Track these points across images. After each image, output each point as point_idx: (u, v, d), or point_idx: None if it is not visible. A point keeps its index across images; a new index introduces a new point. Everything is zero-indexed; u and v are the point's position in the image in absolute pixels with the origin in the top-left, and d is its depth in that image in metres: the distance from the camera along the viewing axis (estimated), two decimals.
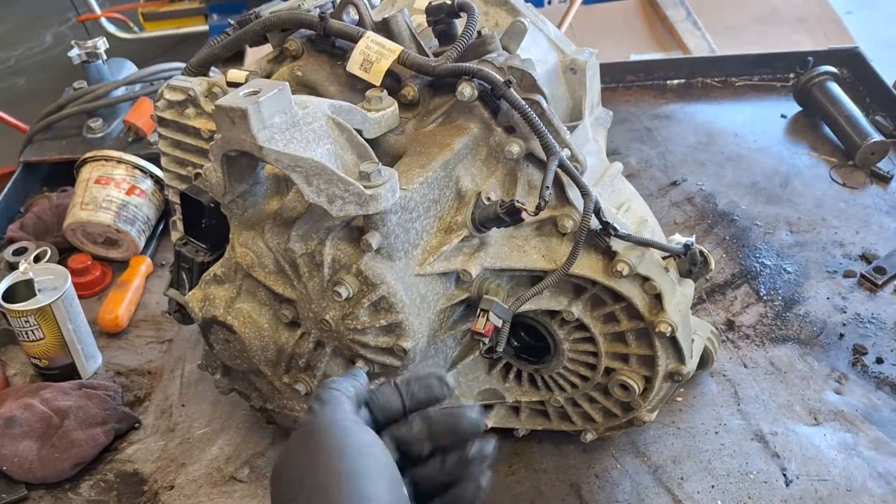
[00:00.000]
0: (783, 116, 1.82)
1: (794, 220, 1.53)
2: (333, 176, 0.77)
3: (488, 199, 0.90)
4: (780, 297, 1.38)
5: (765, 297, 1.38)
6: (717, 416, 1.19)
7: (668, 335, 0.94)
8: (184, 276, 1.09)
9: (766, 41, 2.50)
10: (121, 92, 1.68)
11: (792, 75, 1.91)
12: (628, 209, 1.02)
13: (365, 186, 0.78)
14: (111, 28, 3.19)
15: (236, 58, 1.95)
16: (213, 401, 1.27)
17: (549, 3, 3.38)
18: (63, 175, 1.69)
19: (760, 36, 2.58)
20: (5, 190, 1.68)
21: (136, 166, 1.52)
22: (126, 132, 1.68)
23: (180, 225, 1.08)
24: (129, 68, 1.77)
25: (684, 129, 1.81)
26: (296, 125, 0.78)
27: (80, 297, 1.45)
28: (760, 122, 1.81)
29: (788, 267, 1.43)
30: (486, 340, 0.89)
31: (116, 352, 1.39)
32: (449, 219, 0.90)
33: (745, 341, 1.31)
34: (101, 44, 1.63)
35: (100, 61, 1.65)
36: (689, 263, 1.00)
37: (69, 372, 1.31)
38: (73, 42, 1.62)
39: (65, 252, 1.55)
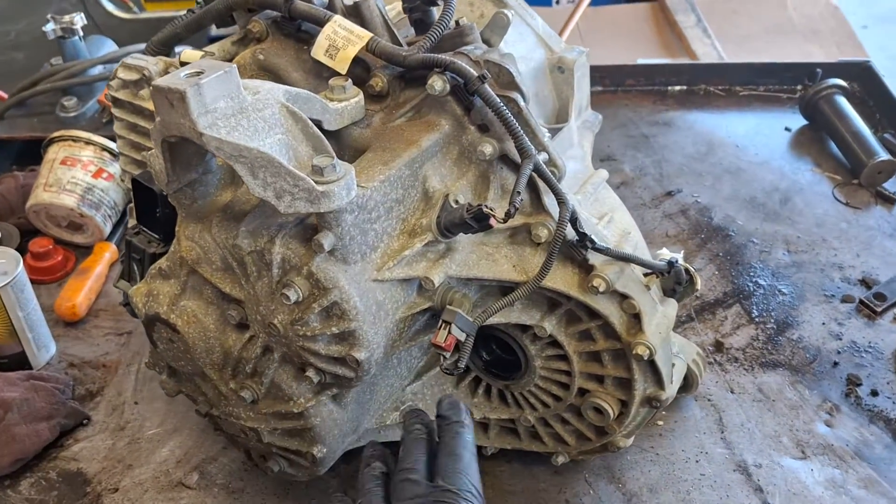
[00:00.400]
0: (787, 129, 1.75)
1: (792, 239, 1.46)
2: (281, 169, 0.70)
3: (456, 201, 0.83)
4: (772, 320, 1.31)
5: (757, 319, 1.31)
6: (699, 444, 1.12)
7: (645, 358, 0.87)
8: (135, 267, 1.02)
9: (776, 51, 2.42)
10: (98, 70, 1.62)
11: (799, 87, 1.84)
12: (610, 220, 0.95)
13: (316, 182, 0.71)
14: (110, 7, 3.12)
15: None
16: (167, 400, 1.20)
17: (557, 2, 3.31)
18: (35, 153, 1.62)
19: (771, 46, 2.50)
20: None
21: (105, 148, 1.45)
22: (101, 112, 1.61)
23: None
24: (108, 46, 1.70)
25: (683, 137, 1.74)
26: (243, 111, 0.71)
27: (39, 282, 1.39)
28: (763, 134, 1.74)
29: (784, 288, 1.36)
30: (447, 355, 0.82)
31: (72, 342, 1.32)
32: (413, 221, 0.83)
33: (733, 364, 1.24)
34: (79, 19, 1.56)
35: (76, 38, 1.59)
36: (674, 282, 0.93)
37: (19, 361, 1.25)
38: (49, 16, 1.55)
39: (28, 234, 1.48)
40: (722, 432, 1.14)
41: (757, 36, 2.61)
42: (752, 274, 1.39)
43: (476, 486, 0.72)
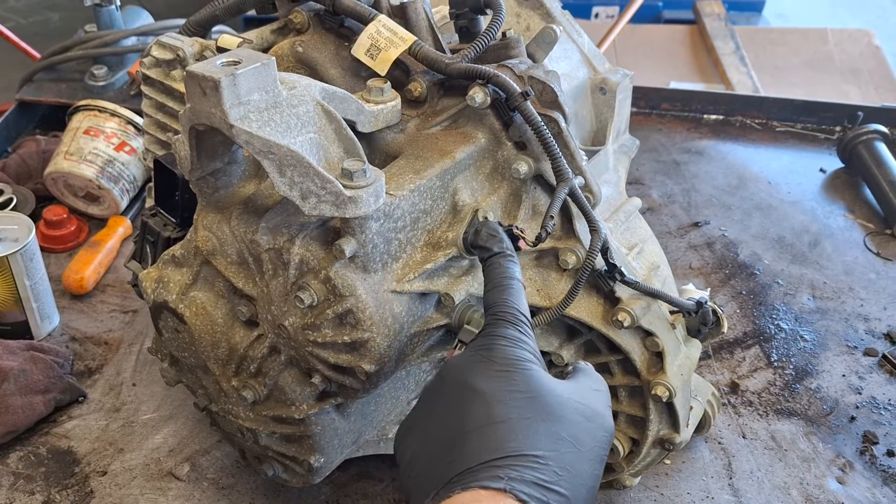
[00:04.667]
0: (822, 171, 1.71)
1: (818, 284, 1.42)
2: (310, 170, 0.67)
3: (485, 218, 0.80)
4: (791, 366, 1.27)
5: (776, 364, 1.27)
6: (706, 488, 1.09)
7: (664, 400, 0.84)
8: (147, 249, 1.00)
9: (813, 87, 2.38)
10: (131, 42, 1.59)
11: (838, 128, 1.80)
12: (640, 252, 0.91)
13: (344, 186, 0.68)
14: None
15: None
16: (165, 385, 1.18)
17: (596, 16, 3.27)
18: (59, 119, 1.60)
19: (808, 81, 2.46)
20: None
21: (130, 122, 1.43)
22: (129, 85, 1.59)
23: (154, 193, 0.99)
24: (144, 18, 1.68)
25: (715, 168, 1.70)
26: (277, 106, 0.68)
27: (49, 250, 1.38)
28: (797, 173, 1.70)
29: (806, 334, 1.33)
30: None
31: (76, 315, 1.30)
32: (439, 234, 0.80)
33: (747, 408, 1.21)
34: None
35: (113, 7, 1.56)
36: (700, 322, 0.89)
37: (21, 330, 1.23)
38: None
39: (44, 201, 1.46)
40: (730, 478, 1.11)
41: (794, 69, 2.57)
42: (774, 316, 1.35)
43: (524, 313, 0.68)
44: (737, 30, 2.70)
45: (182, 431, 1.12)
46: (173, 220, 0.97)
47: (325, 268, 0.74)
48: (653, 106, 1.85)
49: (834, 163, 1.72)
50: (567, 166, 0.78)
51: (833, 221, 1.57)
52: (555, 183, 0.79)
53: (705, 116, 1.84)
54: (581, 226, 0.82)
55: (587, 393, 0.65)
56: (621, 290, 0.83)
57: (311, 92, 0.71)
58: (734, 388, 1.23)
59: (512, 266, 0.72)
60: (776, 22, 3.31)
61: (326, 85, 0.74)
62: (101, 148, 1.40)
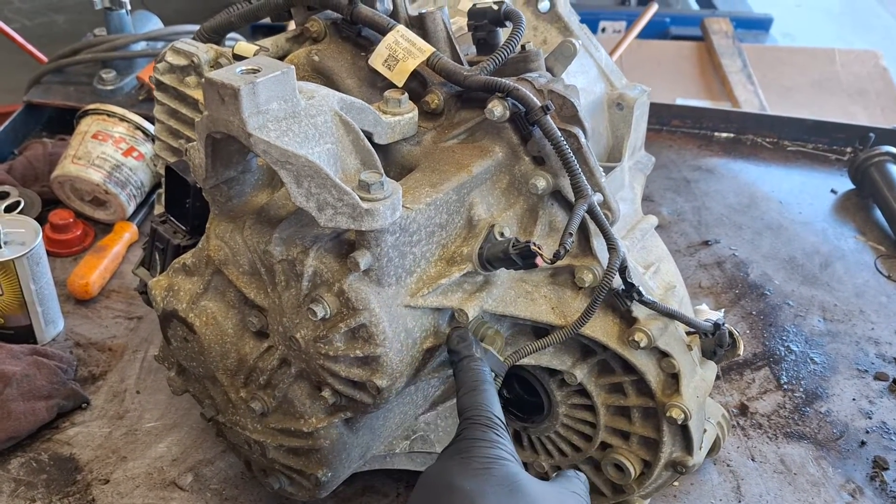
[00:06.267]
0: (833, 192, 1.70)
1: (829, 307, 1.41)
2: (328, 181, 0.66)
3: (501, 234, 0.79)
4: (801, 389, 1.25)
5: (785, 386, 1.26)
6: None
7: (679, 422, 0.82)
8: (156, 256, 0.99)
9: (819, 107, 2.37)
10: (140, 47, 1.59)
11: (849, 149, 1.79)
12: (657, 271, 0.90)
13: (362, 198, 0.67)
14: None
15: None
16: (170, 393, 1.15)
17: (603, 31, 3.27)
18: (66, 122, 1.60)
19: (815, 101, 2.45)
20: (2, 127, 1.59)
21: (139, 127, 1.42)
22: (138, 89, 1.58)
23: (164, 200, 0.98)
24: (154, 23, 1.68)
25: (725, 186, 1.69)
26: (295, 116, 0.67)
27: (55, 254, 1.36)
28: (808, 193, 1.69)
29: (816, 357, 1.31)
30: None
31: (80, 321, 1.29)
32: (454, 248, 0.79)
33: (756, 431, 1.19)
34: None
35: (123, 11, 1.56)
36: (716, 344, 0.88)
37: (25, 334, 1.21)
38: None
39: (50, 204, 1.45)
40: (738, 502, 1.09)
41: (801, 89, 2.56)
42: (784, 338, 1.34)
43: (496, 415, 0.69)
44: (744, 48, 2.69)
45: (186, 441, 1.11)
46: (184, 228, 0.96)
47: (338, 280, 0.73)
48: (663, 122, 1.85)
49: (845, 184, 1.71)
50: (586, 182, 0.77)
51: (844, 243, 1.56)
52: (573, 199, 0.78)
53: (716, 134, 1.83)
54: (599, 243, 0.81)
55: (566, 495, 0.68)
56: (638, 310, 0.82)
57: (330, 102, 0.70)
58: (743, 409, 1.21)
59: (483, 370, 0.74)
60: (784, 41, 3.31)
61: (344, 95, 0.74)
62: (109, 153, 1.40)
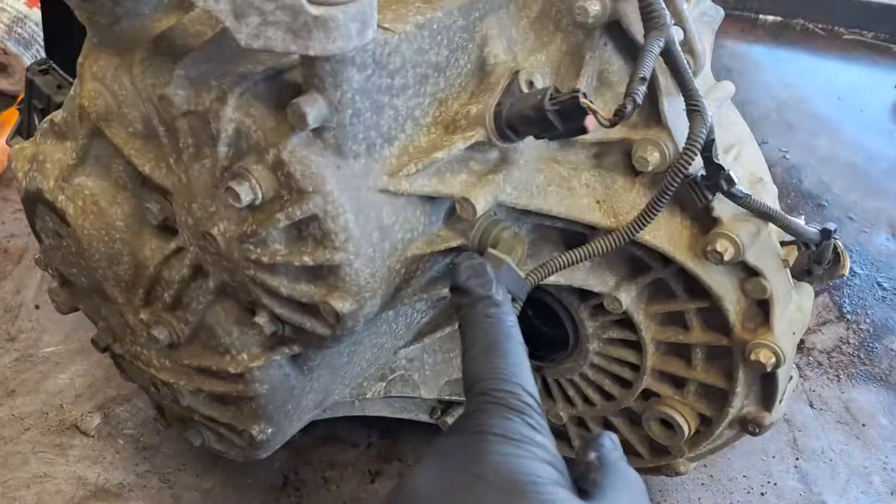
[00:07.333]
0: None
1: None
2: None
3: (530, 83, 0.52)
4: (868, 320, 1.03)
5: (849, 316, 1.04)
6: (766, 471, 0.86)
7: (768, 368, 0.58)
8: (35, 119, 0.71)
9: None
10: None
11: None
12: (737, 157, 0.64)
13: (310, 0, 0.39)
14: None
15: None
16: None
17: None
18: None
19: None
20: None
21: None
22: None
23: None
24: None
25: (773, 78, 1.43)
26: None
27: None
28: (870, 89, 1.44)
29: (885, 282, 1.08)
30: None
31: None
32: (456, 106, 0.52)
33: (815, 371, 0.97)
34: None
35: None
36: (813, 260, 0.63)
37: None
38: None
39: None
40: (796, 459, 0.88)
41: None
42: None
43: (529, 391, 0.42)
44: None
45: (95, 371, 0.86)
46: (70, 80, 0.68)
47: (275, 144, 0.46)
48: None
49: None
50: (664, 7, 0.50)
51: None
52: (639, 35, 0.51)
53: (761, 17, 1.56)
54: (671, 106, 0.54)
55: None
56: (721, 208, 0.56)
57: None
58: (799, 344, 0.98)
59: (508, 319, 0.46)
60: None
61: None
62: (9, 1, 1.09)
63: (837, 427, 0.92)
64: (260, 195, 0.48)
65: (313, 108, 0.44)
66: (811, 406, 0.94)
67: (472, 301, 0.47)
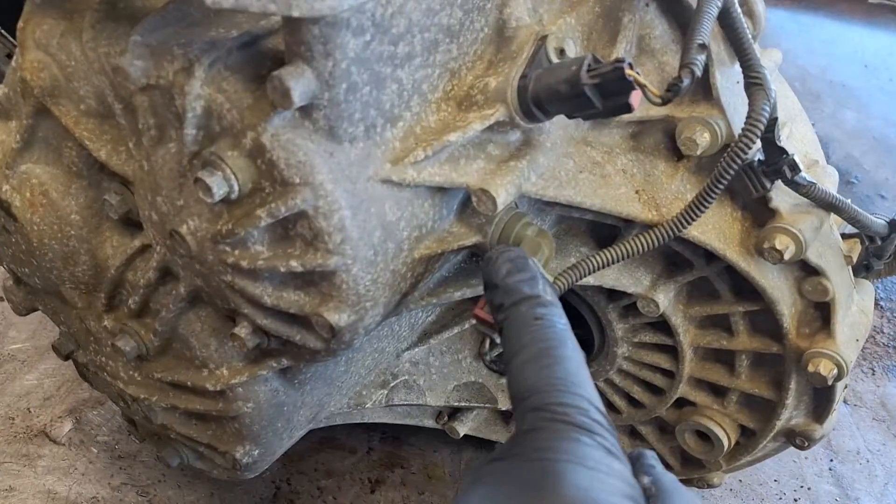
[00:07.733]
0: None
1: None
2: None
3: (561, 51, 0.43)
4: None
5: (883, 304, 0.96)
6: (799, 475, 0.79)
7: (829, 381, 0.50)
8: None
9: None
10: None
11: None
12: (789, 136, 0.56)
13: None
14: None
15: None
16: None
17: None
18: None
19: None
20: None
21: None
22: None
23: None
24: None
25: (796, 45, 1.33)
26: None
27: None
28: None
29: None
30: (497, 337, 0.44)
31: None
32: (471, 79, 0.44)
33: None
34: None
35: None
36: (872, 254, 0.55)
37: None
38: None
39: None
40: (831, 460, 0.81)
41: None
42: None
43: (596, 405, 0.35)
44: None
45: (65, 371, 0.78)
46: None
47: (252, 126, 0.38)
48: None
49: None
50: None
51: None
52: None
53: None
54: (724, 79, 0.46)
55: None
56: (780, 198, 0.48)
57: None
58: None
59: (560, 323, 0.38)
60: None
61: None
62: None
63: (873, 425, 0.85)
64: (236, 188, 0.39)
65: (299, 83, 0.36)
66: (844, 402, 0.87)
67: (516, 301, 0.39)
